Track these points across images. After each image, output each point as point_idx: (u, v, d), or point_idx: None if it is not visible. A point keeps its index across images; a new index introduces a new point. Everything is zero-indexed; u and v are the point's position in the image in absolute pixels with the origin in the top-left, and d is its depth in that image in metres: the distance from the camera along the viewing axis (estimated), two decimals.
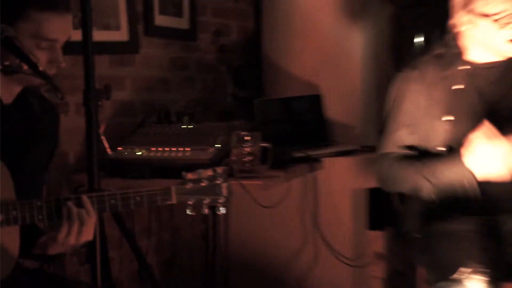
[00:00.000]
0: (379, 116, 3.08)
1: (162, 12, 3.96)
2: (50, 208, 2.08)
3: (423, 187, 2.80)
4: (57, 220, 2.09)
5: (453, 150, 2.74)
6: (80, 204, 2.09)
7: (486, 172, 2.63)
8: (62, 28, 2.18)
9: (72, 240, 2.08)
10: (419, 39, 4.21)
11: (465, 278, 2.51)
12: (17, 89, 2.26)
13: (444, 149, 2.82)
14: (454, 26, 2.84)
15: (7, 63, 2.05)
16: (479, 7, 2.71)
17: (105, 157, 3.23)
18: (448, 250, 2.69)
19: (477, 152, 2.61)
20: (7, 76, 2.14)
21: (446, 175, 2.73)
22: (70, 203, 2.07)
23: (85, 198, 2.11)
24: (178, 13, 4.10)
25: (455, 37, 2.90)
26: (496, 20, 2.70)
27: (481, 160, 2.61)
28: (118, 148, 3.35)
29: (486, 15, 2.71)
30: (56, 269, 2.43)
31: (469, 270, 2.52)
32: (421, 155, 2.86)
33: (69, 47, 2.26)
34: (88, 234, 2.11)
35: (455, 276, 2.53)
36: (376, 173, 3.00)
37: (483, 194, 2.76)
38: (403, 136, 2.91)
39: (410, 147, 2.90)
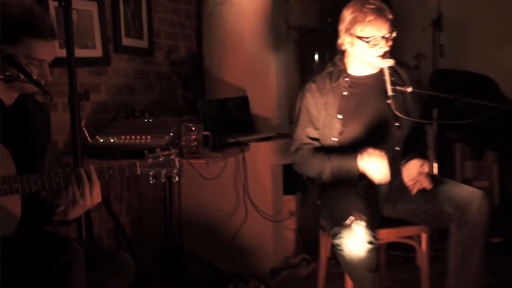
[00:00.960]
0: (289, 111, 3.12)
1: (127, 35, 3.92)
2: (42, 181, 2.08)
3: (324, 175, 2.86)
4: (57, 189, 2.15)
5: (347, 151, 2.81)
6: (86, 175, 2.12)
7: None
8: (48, 51, 2.16)
9: (88, 200, 2.12)
10: (316, 56, 4.24)
11: (352, 223, 2.57)
12: (15, 94, 2.23)
13: (337, 139, 2.88)
14: (340, 45, 2.88)
15: (8, 73, 2.03)
16: (357, 32, 2.76)
17: (86, 143, 3.22)
18: (340, 205, 2.73)
19: (364, 164, 2.70)
20: (8, 84, 2.12)
21: (342, 170, 2.79)
22: (81, 170, 2.11)
23: (92, 167, 2.16)
24: (140, 36, 4.05)
25: (341, 57, 2.95)
26: (368, 42, 2.75)
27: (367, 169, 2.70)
28: (96, 137, 3.32)
29: (361, 38, 2.76)
30: (50, 228, 2.38)
31: (354, 218, 2.58)
32: (324, 148, 2.91)
33: (57, 61, 2.24)
34: (98, 195, 2.15)
35: (345, 222, 2.58)
36: (293, 161, 3.03)
37: None
38: (309, 131, 2.94)
39: (314, 139, 2.94)
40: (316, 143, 2.95)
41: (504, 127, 4.12)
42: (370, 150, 2.69)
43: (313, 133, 2.94)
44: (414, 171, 2.75)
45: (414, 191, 2.75)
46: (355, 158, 2.73)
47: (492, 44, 5.02)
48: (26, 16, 2.11)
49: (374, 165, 2.69)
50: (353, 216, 2.59)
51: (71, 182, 2.11)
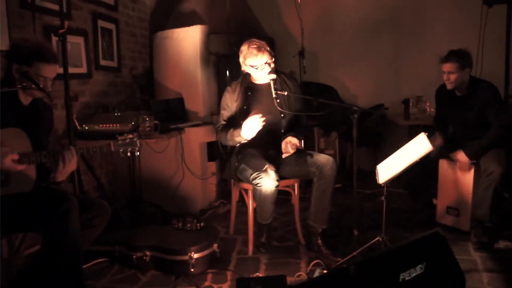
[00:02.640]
0: (210, 108, 3.11)
1: (104, 58, 3.82)
2: (50, 156, 2.08)
3: (229, 142, 2.92)
4: (54, 161, 2.09)
5: (240, 125, 2.84)
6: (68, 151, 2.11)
7: (250, 136, 2.80)
8: (52, 71, 2.14)
9: (66, 169, 2.11)
10: (227, 72, 4.24)
11: (266, 168, 2.66)
12: (30, 98, 2.20)
13: (243, 122, 2.87)
14: (243, 70, 2.94)
15: (24, 84, 2.02)
16: (249, 63, 2.83)
17: (76, 130, 3.16)
18: (256, 159, 2.81)
19: (245, 127, 2.77)
20: (25, 91, 2.11)
21: (236, 137, 2.84)
22: (63, 151, 2.10)
23: (72, 147, 2.14)
24: (112, 59, 3.96)
25: (247, 72, 2.96)
26: (256, 68, 2.83)
27: (247, 130, 2.78)
28: (83, 125, 3.25)
29: (252, 66, 2.84)
30: (56, 186, 2.35)
31: (268, 165, 2.69)
32: (231, 126, 2.93)
33: (57, 76, 2.20)
34: (73, 165, 2.14)
35: (264, 168, 2.67)
36: (216, 136, 3.04)
37: (262, 139, 2.87)
38: (224, 114, 2.98)
39: (228, 120, 2.98)
40: (227, 125, 2.97)
41: (341, 117, 4.27)
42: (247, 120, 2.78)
43: (226, 115, 2.97)
44: (285, 143, 2.82)
45: (284, 155, 2.83)
46: (239, 129, 2.80)
47: (333, 66, 5.11)
48: (38, 47, 2.08)
49: (247, 127, 2.77)
50: (268, 165, 2.68)
51: (58, 157, 2.10)
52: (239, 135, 2.82)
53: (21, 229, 2.11)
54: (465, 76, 3.07)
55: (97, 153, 2.22)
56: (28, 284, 2.12)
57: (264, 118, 2.76)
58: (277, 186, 2.67)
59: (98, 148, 2.19)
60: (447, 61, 3.07)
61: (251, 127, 2.77)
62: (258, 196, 2.74)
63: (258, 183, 2.67)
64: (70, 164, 2.11)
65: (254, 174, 2.69)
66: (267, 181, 2.64)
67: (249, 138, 2.81)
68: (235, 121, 2.94)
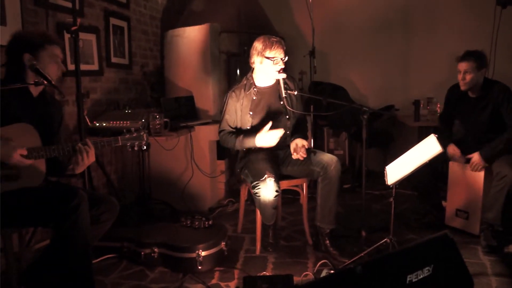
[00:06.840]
0: (220, 106, 3.10)
1: (115, 55, 3.84)
2: (58, 150, 2.08)
3: (235, 147, 2.89)
4: (68, 155, 2.13)
5: (251, 132, 2.84)
6: (85, 145, 2.14)
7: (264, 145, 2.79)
8: (60, 53, 2.17)
9: (86, 161, 2.14)
10: (238, 71, 4.23)
11: (265, 178, 2.64)
12: (40, 89, 2.21)
13: (249, 127, 2.90)
14: (252, 63, 2.90)
15: (36, 80, 2.04)
16: (266, 54, 2.78)
17: (87, 126, 3.18)
18: (257, 166, 2.78)
19: (260, 138, 2.76)
20: (36, 87, 2.13)
21: (246, 143, 2.83)
22: (80, 144, 2.13)
23: (88, 140, 2.17)
24: (123, 56, 3.98)
25: (250, 74, 2.96)
26: (273, 60, 2.79)
27: (261, 141, 2.77)
28: (94, 122, 3.27)
29: (269, 58, 2.79)
30: (65, 181, 2.37)
31: (267, 175, 2.65)
32: (237, 132, 2.92)
33: (69, 72, 2.22)
34: (92, 157, 2.17)
35: (262, 178, 2.65)
36: (220, 139, 3.01)
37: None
38: (228, 120, 2.96)
39: (232, 127, 2.96)
40: (232, 129, 2.96)
41: (351, 118, 4.25)
42: (263, 132, 2.77)
43: (231, 122, 2.95)
44: (296, 145, 2.82)
45: (294, 157, 2.81)
46: (252, 137, 2.79)
47: (344, 66, 5.11)
48: (44, 32, 2.16)
49: (264, 139, 2.76)
50: (267, 174, 2.66)
51: (76, 151, 2.12)
52: (252, 143, 2.82)
53: (31, 223, 2.10)
54: (480, 78, 3.04)
55: (105, 148, 2.23)
56: (37, 278, 2.13)
57: (282, 133, 2.78)
58: (276, 196, 2.67)
59: (106, 142, 2.21)
60: (464, 60, 3.04)
61: (268, 140, 2.77)
62: (257, 204, 2.76)
63: (256, 193, 2.69)
64: (88, 156, 2.14)
65: (254, 183, 2.70)
66: (266, 191, 2.65)
67: (262, 146, 2.81)
68: (241, 127, 2.94)
